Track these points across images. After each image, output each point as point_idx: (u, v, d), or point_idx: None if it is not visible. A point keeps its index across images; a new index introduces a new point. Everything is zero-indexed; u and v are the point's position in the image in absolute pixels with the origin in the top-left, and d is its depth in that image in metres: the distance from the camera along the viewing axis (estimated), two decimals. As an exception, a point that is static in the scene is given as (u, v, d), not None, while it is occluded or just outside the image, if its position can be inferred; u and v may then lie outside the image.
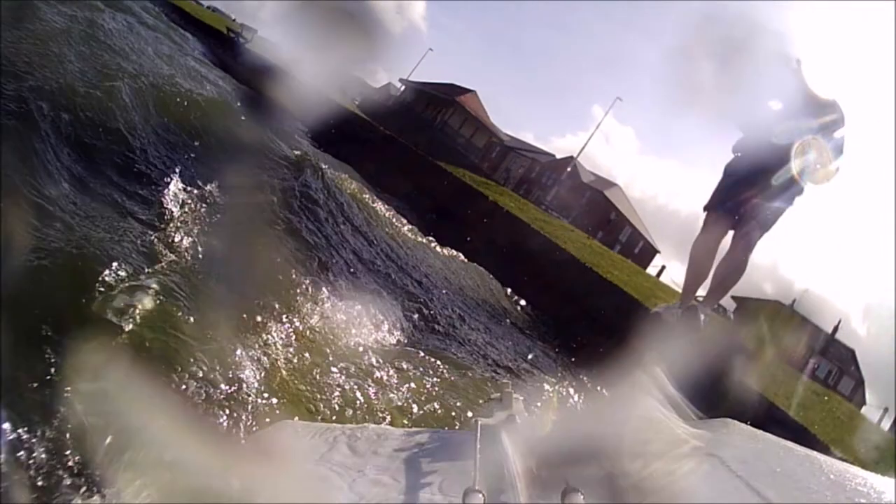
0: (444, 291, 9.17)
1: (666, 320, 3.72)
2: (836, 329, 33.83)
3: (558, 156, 42.20)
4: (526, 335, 10.41)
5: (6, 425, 2.14)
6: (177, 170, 5.80)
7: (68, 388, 2.36)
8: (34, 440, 2.19)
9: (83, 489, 2.15)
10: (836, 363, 33.83)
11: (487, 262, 13.48)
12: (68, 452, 2.22)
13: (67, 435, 2.25)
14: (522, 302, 13.43)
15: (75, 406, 2.31)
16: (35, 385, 2.38)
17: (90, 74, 6.82)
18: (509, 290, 13.38)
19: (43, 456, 2.17)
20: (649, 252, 39.41)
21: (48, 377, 2.44)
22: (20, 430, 2.18)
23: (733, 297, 25.40)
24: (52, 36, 7.10)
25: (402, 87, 47.98)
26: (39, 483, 2.08)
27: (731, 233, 3.61)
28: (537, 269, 14.91)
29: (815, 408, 13.21)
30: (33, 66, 5.85)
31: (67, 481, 2.15)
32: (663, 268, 27.22)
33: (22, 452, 2.12)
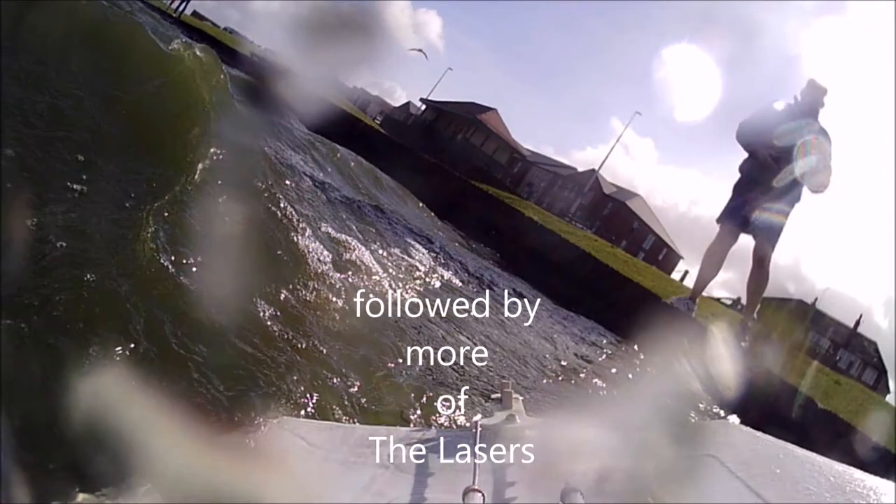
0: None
1: (678, 309, 4.35)
2: (857, 323, 34.83)
3: (579, 168, 43.09)
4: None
5: (6, 425, 2.13)
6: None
7: (68, 388, 2.36)
8: (34, 440, 2.18)
9: (83, 489, 2.14)
10: (858, 355, 34.20)
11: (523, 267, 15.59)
12: (68, 452, 2.20)
13: (67, 434, 2.22)
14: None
15: (74, 405, 2.27)
16: (35, 384, 2.36)
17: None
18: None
19: (43, 455, 2.16)
20: (673, 258, 39.92)
21: (48, 376, 2.41)
22: (20, 430, 2.16)
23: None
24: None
25: (423, 107, 47.64)
26: (39, 483, 2.05)
27: (740, 239, 4.16)
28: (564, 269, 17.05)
29: (837, 396, 14.11)
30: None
31: (67, 481, 2.14)
32: (686, 272, 28.06)
33: (21, 452, 2.10)
